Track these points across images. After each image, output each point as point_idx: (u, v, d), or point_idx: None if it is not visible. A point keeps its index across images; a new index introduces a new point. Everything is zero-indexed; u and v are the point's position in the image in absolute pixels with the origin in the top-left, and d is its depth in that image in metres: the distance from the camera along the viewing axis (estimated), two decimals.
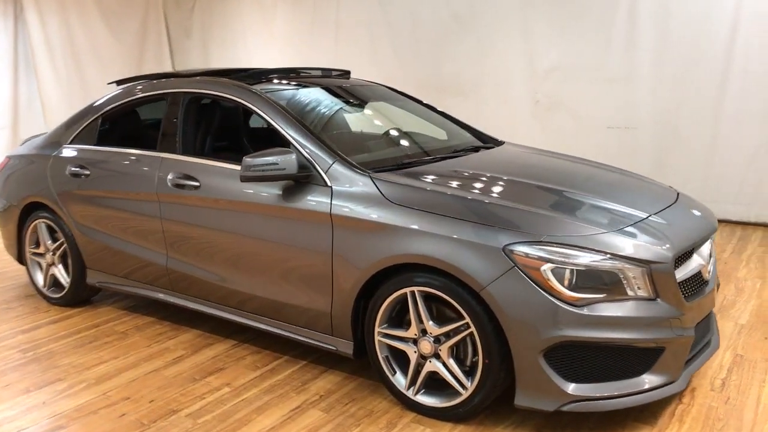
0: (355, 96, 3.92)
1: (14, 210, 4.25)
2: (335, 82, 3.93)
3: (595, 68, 6.68)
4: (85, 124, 4.01)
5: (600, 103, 6.72)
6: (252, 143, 4.25)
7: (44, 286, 4.26)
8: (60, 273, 4.16)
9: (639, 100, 6.52)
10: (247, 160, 2.91)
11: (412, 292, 2.66)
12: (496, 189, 2.85)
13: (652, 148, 6.49)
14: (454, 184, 2.86)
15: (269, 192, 3.04)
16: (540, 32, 6.94)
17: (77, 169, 3.89)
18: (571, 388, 2.41)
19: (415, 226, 2.61)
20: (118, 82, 4.19)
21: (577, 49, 6.78)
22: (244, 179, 2.93)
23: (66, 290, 4.13)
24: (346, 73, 4.25)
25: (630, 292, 2.41)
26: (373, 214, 2.72)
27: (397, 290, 2.69)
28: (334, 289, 2.88)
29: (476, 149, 3.56)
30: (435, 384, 2.74)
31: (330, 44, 8.56)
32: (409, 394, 2.77)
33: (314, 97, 3.63)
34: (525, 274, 2.39)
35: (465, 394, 2.60)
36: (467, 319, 2.53)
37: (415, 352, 2.72)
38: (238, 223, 3.16)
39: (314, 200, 2.89)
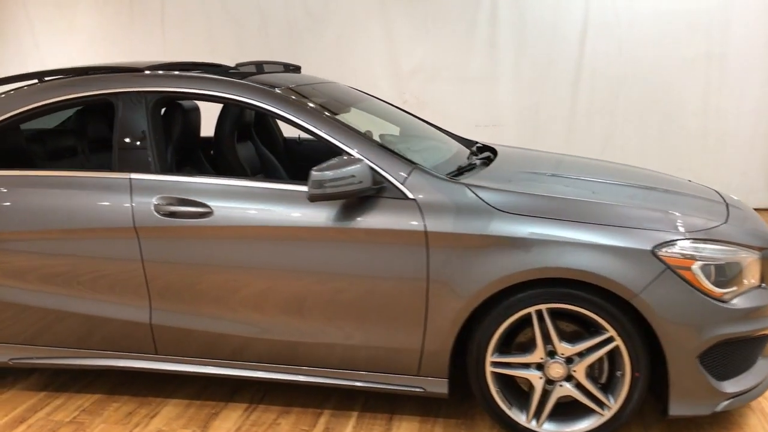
0: (333, 97, 3.35)
1: None
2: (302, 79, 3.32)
3: (460, 69, 6.85)
4: None
5: (466, 103, 6.92)
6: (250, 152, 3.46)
7: None
8: None
9: (502, 99, 6.85)
10: (318, 174, 2.30)
11: (539, 311, 2.35)
12: (597, 189, 2.67)
13: (517, 144, 6.89)
14: (558, 186, 2.61)
15: (323, 213, 2.45)
16: (403, 32, 6.90)
17: None
18: (726, 386, 2.35)
19: (546, 236, 2.30)
20: (1, 81, 3.04)
21: (441, 49, 6.88)
22: (316, 198, 2.33)
23: None
24: (296, 69, 3.66)
25: (745, 282, 2.43)
26: (487, 227, 2.34)
27: (518, 311, 2.36)
28: (429, 321, 2.43)
29: (482, 150, 3.31)
30: (555, 410, 2.47)
31: (156, 38, 7.47)
32: (533, 426, 2.45)
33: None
34: (677, 276, 2.25)
35: (608, 414, 2.39)
36: (611, 332, 2.31)
37: (541, 377, 2.41)
38: (282, 255, 2.49)
39: (397, 217, 2.40)
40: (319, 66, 7.11)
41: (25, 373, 3.19)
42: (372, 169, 2.43)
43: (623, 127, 6.65)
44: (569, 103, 6.70)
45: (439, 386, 2.53)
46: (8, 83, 3.07)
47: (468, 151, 3.25)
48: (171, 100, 2.86)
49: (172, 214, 2.56)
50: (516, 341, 2.48)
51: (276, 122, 4.08)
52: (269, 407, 2.84)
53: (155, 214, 2.57)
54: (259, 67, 3.12)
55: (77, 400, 2.95)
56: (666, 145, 6.61)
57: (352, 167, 2.34)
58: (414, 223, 2.38)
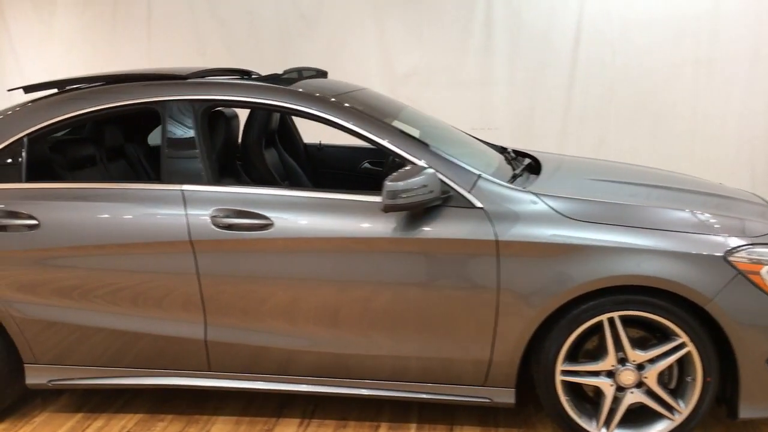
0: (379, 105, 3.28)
1: None
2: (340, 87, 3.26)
3: (454, 72, 6.86)
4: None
5: (462, 106, 6.93)
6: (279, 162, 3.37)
7: None
8: None
9: (496, 103, 6.90)
10: (392, 184, 2.26)
11: (610, 319, 2.36)
12: (656, 195, 2.70)
13: (512, 146, 6.96)
14: (621, 193, 2.62)
15: (390, 224, 2.41)
16: (397, 36, 6.88)
17: (7, 219, 2.59)
18: None
19: (618, 244, 2.31)
20: (27, 89, 2.90)
21: (435, 53, 6.88)
22: (390, 208, 2.29)
23: None
24: (324, 74, 3.60)
25: None
26: (559, 235, 2.34)
27: (590, 319, 2.36)
28: (498, 331, 2.41)
29: (520, 156, 3.31)
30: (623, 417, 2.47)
31: (141, 43, 7.26)
32: None
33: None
34: (748, 280, 2.29)
35: (678, 419, 2.41)
36: (684, 338, 2.33)
37: (612, 385, 2.42)
38: (347, 267, 2.44)
39: (466, 227, 2.37)
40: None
41: (54, 394, 3.04)
42: (440, 178, 2.40)
43: (616, 131, 6.77)
44: (563, 106, 6.78)
45: (506, 396, 2.51)
46: (33, 91, 2.93)
47: (502, 157, 3.24)
48: (218, 108, 2.77)
49: (230, 227, 2.48)
50: (584, 349, 2.48)
51: (297, 128, 4.01)
52: (324, 421, 2.77)
53: (212, 226, 2.48)
54: (300, 73, 3.05)
55: (119, 420, 2.82)
56: (657, 147, 6.75)
57: (423, 177, 2.31)
58: (484, 233, 2.36)
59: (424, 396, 2.57)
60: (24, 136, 2.68)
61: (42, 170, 2.73)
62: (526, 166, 3.00)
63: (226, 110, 3.01)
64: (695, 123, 6.64)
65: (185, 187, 2.55)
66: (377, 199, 2.44)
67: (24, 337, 2.65)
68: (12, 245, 2.56)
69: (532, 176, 2.82)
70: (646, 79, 6.58)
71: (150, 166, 3.65)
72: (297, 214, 2.47)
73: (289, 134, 3.91)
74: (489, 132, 6.97)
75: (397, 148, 2.50)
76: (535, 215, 2.39)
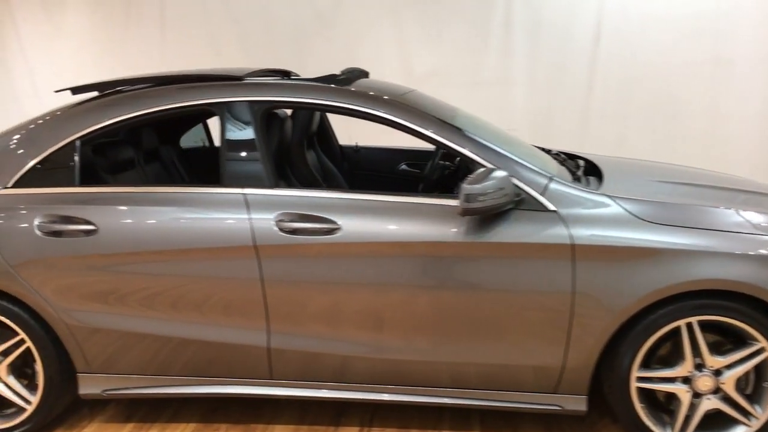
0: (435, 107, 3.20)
1: None
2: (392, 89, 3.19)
3: (473, 72, 6.82)
4: (42, 156, 2.59)
5: (481, 106, 6.83)
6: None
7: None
8: (11, 388, 2.65)
9: (515, 103, 6.86)
10: (470, 187, 2.21)
11: (688, 324, 2.31)
12: (722, 197, 2.65)
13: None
14: (690, 195, 2.58)
15: (462, 227, 2.35)
16: (414, 36, 6.83)
17: (62, 224, 2.50)
18: None
19: (697, 247, 2.27)
20: (75, 90, 2.82)
21: (453, 53, 6.84)
22: (468, 212, 2.24)
23: (30, 412, 2.64)
24: (366, 74, 3.54)
25: None
26: (636, 238, 2.29)
27: (668, 324, 2.32)
28: (572, 337, 2.36)
29: (572, 157, 3.27)
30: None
31: (154, 42, 7.17)
32: None
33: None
34: None
35: (756, 424, 2.37)
36: (763, 343, 2.29)
37: (688, 391, 2.37)
38: (417, 272, 2.38)
39: (541, 230, 2.32)
40: (329, 70, 6.97)
41: (100, 404, 2.96)
42: (512, 181, 2.35)
43: (635, 130, 6.75)
44: (582, 106, 6.75)
45: (578, 404, 2.46)
46: (81, 92, 2.85)
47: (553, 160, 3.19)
48: (278, 109, 2.70)
49: (295, 231, 2.41)
50: (657, 354, 2.43)
51: (333, 130, 3.95)
52: (384, 430, 2.72)
53: (277, 231, 2.41)
54: (352, 74, 2.99)
55: (172, 430, 2.75)
56: (676, 147, 6.73)
57: (499, 180, 2.25)
58: (559, 236, 2.31)
59: (493, 404, 2.51)
60: (77, 138, 2.60)
61: (88, 174, 2.65)
62: (583, 168, 2.95)
63: (279, 112, 2.94)
64: (714, 123, 6.62)
65: (247, 190, 2.48)
66: (449, 202, 2.40)
67: (78, 346, 2.57)
68: (68, 251, 2.48)
69: (590, 178, 2.77)
70: (665, 79, 6.56)
71: (183, 169, 3.58)
72: (365, 218, 2.41)
73: (326, 136, 3.84)
74: (508, 132, 6.96)
75: (470, 151, 2.44)
76: (611, 218, 2.34)
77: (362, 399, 2.58)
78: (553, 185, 2.40)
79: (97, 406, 2.95)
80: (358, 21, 6.82)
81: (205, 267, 2.47)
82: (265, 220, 2.42)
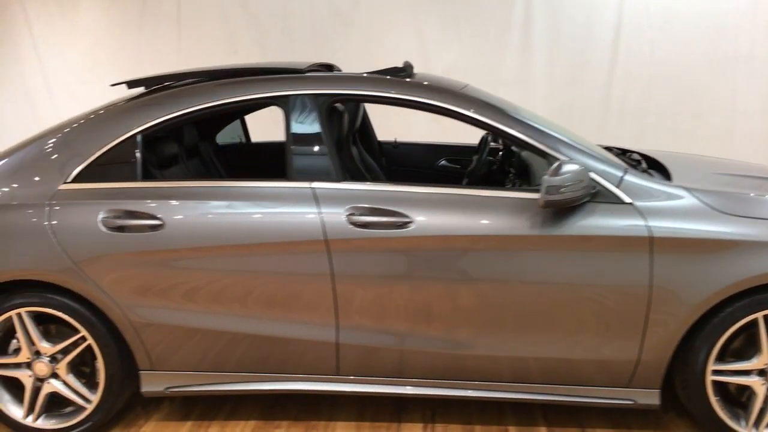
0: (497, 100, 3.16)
1: None
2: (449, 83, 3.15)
3: (493, 70, 6.80)
4: (103, 150, 2.55)
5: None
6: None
7: (28, 414, 2.61)
8: (70, 387, 2.60)
9: (535, 100, 6.83)
10: (552, 179, 2.19)
11: (766, 316, 2.30)
12: None
13: None
14: (759, 186, 2.57)
15: (536, 221, 2.33)
16: (434, 34, 6.81)
17: (127, 219, 2.46)
18: None
19: None
20: (130, 84, 2.78)
21: (473, 51, 6.82)
22: (550, 204, 2.23)
23: (90, 411, 2.59)
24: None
25: None
26: (715, 231, 2.27)
27: (746, 316, 2.30)
28: (648, 330, 2.35)
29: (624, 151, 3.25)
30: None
31: (171, 41, 7.11)
32: None
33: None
34: None
35: None
36: None
37: (764, 383, 2.36)
38: (491, 265, 2.36)
39: (618, 223, 2.30)
40: (347, 68, 6.95)
41: (154, 402, 2.92)
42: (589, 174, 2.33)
43: (655, 128, 6.75)
44: (602, 103, 6.75)
45: (651, 398, 2.45)
46: (137, 86, 2.81)
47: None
48: (341, 102, 2.67)
49: (367, 225, 2.38)
50: (731, 347, 2.42)
51: (372, 126, 3.92)
52: (448, 426, 2.69)
53: (348, 225, 2.38)
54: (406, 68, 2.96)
55: (233, 428, 2.71)
56: (696, 145, 6.72)
57: (577, 172, 2.23)
58: (637, 228, 2.29)
59: (565, 399, 2.49)
60: (138, 132, 2.56)
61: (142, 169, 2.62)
62: (644, 162, 2.94)
63: (338, 106, 2.91)
64: (734, 120, 6.64)
65: (315, 184, 2.45)
66: (523, 195, 2.38)
67: (141, 343, 2.53)
68: (133, 246, 2.44)
69: (652, 171, 2.75)
70: (685, 76, 6.57)
71: (221, 165, 3.55)
72: (437, 212, 2.39)
73: (366, 132, 3.82)
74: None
75: (545, 146, 2.42)
76: (687, 210, 2.32)
77: (430, 395, 2.55)
78: (627, 177, 2.38)
79: (150, 404, 2.91)
80: (376, 19, 6.79)
81: (273, 262, 2.43)
82: (336, 214, 2.39)
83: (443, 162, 3.94)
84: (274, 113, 2.99)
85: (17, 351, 2.61)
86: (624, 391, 2.46)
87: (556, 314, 2.38)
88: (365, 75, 2.67)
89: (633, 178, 2.39)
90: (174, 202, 2.47)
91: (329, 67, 3.20)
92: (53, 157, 2.57)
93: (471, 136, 3.59)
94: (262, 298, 2.46)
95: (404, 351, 2.49)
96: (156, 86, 2.79)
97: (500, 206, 2.37)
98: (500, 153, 3.59)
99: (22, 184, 2.55)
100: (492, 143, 3.56)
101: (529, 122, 2.50)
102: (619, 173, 2.39)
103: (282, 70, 2.67)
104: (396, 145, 4.00)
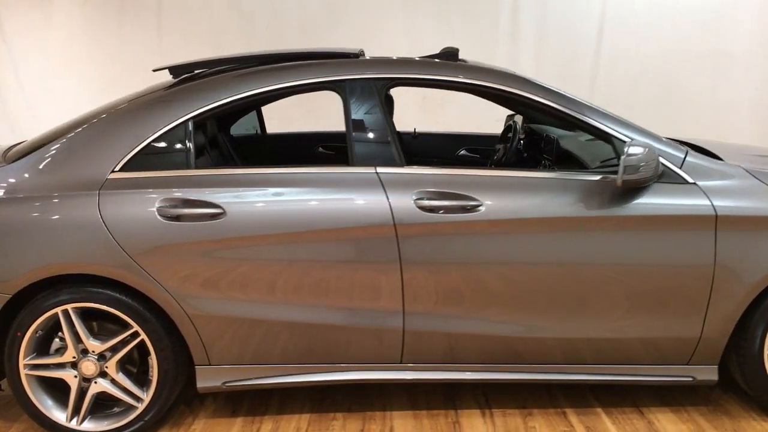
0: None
1: None
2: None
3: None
4: (153, 137, 2.44)
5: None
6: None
7: (73, 417, 2.49)
8: (120, 386, 2.48)
9: None
10: (630, 159, 2.23)
11: None
12: None
13: None
14: None
15: (604, 202, 2.36)
16: (425, 27, 6.83)
17: (185, 209, 2.36)
18: None
19: None
20: (174, 70, 2.69)
21: (463, 44, 6.81)
22: (628, 184, 2.26)
23: (142, 410, 2.48)
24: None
25: None
26: None
27: None
28: (710, 308, 2.40)
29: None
30: None
31: (151, 36, 6.89)
32: None
33: None
34: None
35: None
36: None
37: None
38: (560, 247, 2.37)
39: (683, 202, 2.35)
40: None
41: (198, 398, 2.82)
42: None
43: (639, 121, 6.92)
44: (588, 97, 6.82)
45: (710, 374, 2.50)
46: (180, 73, 2.72)
47: None
48: (397, 87, 2.63)
49: (435, 209, 2.36)
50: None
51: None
52: (505, 410, 2.69)
53: (417, 210, 2.35)
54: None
55: (288, 422, 2.64)
56: (679, 137, 6.94)
57: (650, 152, 2.27)
58: (703, 208, 2.34)
59: (625, 378, 2.53)
60: (189, 118, 2.46)
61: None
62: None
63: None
64: (715, 113, 6.86)
65: (380, 169, 2.41)
66: (591, 177, 2.40)
67: (198, 336, 2.43)
68: (192, 236, 2.34)
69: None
70: (669, 71, 6.76)
71: (237, 156, 3.46)
72: (505, 195, 2.38)
73: None
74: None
75: (611, 128, 2.45)
76: (747, 189, 2.39)
77: (493, 379, 2.55)
78: (689, 158, 2.43)
79: (193, 401, 2.81)
80: (367, 12, 6.75)
81: (338, 248, 2.38)
82: (404, 199, 2.36)
83: (463, 151, 3.94)
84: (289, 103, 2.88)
85: (60, 350, 2.49)
86: (684, 369, 2.51)
87: (623, 295, 2.41)
88: (423, 59, 2.64)
89: (694, 159, 2.44)
90: (234, 190, 2.39)
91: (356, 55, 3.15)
92: (100, 145, 2.45)
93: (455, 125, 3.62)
94: (327, 285, 2.40)
95: (470, 336, 2.47)
96: (187, 73, 2.71)
97: (568, 188, 2.39)
98: (521, 140, 3.60)
99: (66, 173, 2.42)
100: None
101: (594, 107, 2.52)
102: (681, 154, 2.44)
103: (334, 55, 2.62)
104: (415, 135, 3.98)
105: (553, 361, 2.53)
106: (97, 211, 2.34)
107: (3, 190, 2.41)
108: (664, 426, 2.55)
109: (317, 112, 5.71)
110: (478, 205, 2.35)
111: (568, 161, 3.07)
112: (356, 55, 2.61)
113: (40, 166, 2.45)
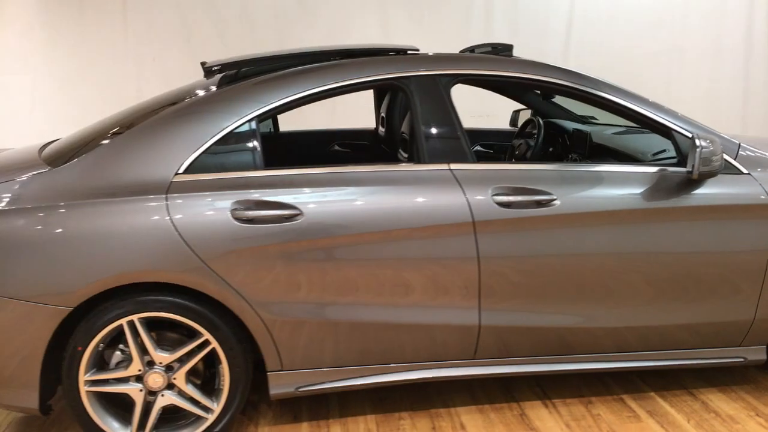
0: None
1: (40, 314, 2.20)
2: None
3: None
4: (217, 137, 2.34)
5: (462, 93, 6.98)
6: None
7: None
8: (189, 397, 2.38)
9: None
10: (704, 151, 2.33)
11: None
12: None
13: None
14: None
15: (671, 193, 2.46)
16: (399, 22, 6.84)
17: (260, 210, 2.27)
18: None
19: None
20: (223, 68, 2.58)
21: (437, 40, 6.91)
22: (703, 175, 2.37)
23: (212, 421, 2.38)
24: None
25: None
26: None
27: None
28: (764, 291, 2.54)
29: None
30: None
31: (116, 28, 6.58)
32: None
33: None
34: None
35: None
36: None
37: None
38: (630, 239, 2.46)
39: (743, 192, 2.49)
40: None
41: (250, 406, 2.73)
42: None
43: (605, 115, 7.19)
44: None
45: (759, 353, 2.65)
46: (228, 70, 2.61)
47: None
48: (461, 83, 2.62)
49: (511, 205, 2.38)
50: None
51: None
52: (565, 400, 2.75)
53: (494, 206, 2.36)
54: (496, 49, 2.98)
55: (355, 424, 2.60)
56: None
57: (717, 145, 2.38)
58: (760, 196, 2.48)
59: (681, 362, 2.64)
60: (254, 117, 2.37)
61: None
62: None
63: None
64: (670, 106, 7.23)
65: (453, 166, 2.41)
66: (656, 170, 2.50)
67: (272, 341, 2.35)
68: (269, 239, 2.26)
69: None
70: (630, 66, 7.05)
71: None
72: (580, 189, 2.43)
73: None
74: (487, 119, 7.16)
75: (673, 123, 2.56)
76: None
77: (560, 370, 2.59)
78: (741, 151, 2.56)
79: (247, 409, 2.71)
80: (341, 6, 6.69)
81: (416, 246, 2.36)
82: (482, 196, 2.37)
83: (477, 147, 3.98)
84: None
85: (121, 364, 2.35)
86: (736, 350, 2.65)
87: (689, 282, 2.51)
88: (491, 56, 2.66)
89: (745, 152, 2.57)
90: (309, 190, 2.32)
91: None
92: (159, 147, 2.32)
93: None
94: (406, 284, 2.37)
95: (546, 329, 2.51)
96: (234, 69, 2.61)
97: (639, 181, 2.47)
98: (536, 135, 3.68)
99: (124, 177, 2.28)
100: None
101: (654, 103, 2.62)
102: (735, 146, 2.56)
103: (391, 50, 2.59)
104: None
105: (611, 349, 2.61)
106: (167, 215, 2.23)
107: (57, 197, 2.24)
108: (718, 405, 2.69)
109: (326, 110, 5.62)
110: (553, 200, 2.39)
111: (599, 154, 3.17)
112: (416, 51, 2.58)
113: (94, 170, 2.30)
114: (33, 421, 2.66)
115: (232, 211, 2.26)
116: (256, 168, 2.36)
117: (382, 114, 3.62)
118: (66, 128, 6.73)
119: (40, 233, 2.18)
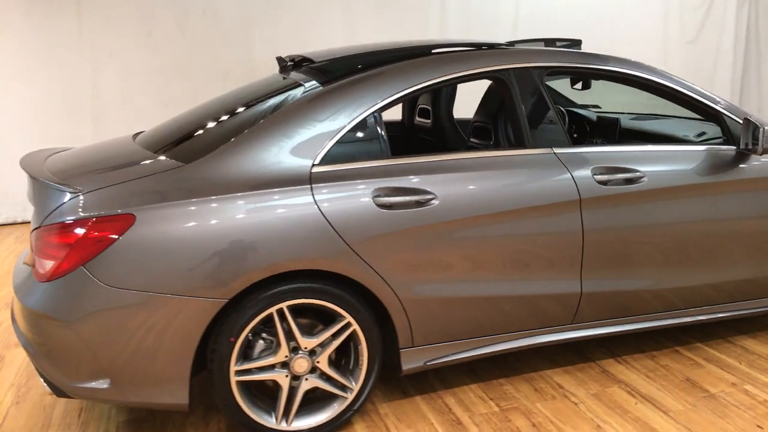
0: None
1: (196, 308, 2.23)
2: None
3: None
4: (346, 129, 2.46)
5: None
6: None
7: (281, 418, 2.43)
8: (330, 379, 2.48)
9: None
10: (765, 130, 2.74)
11: None
12: None
13: None
14: None
15: (741, 167, 2.93)
16: (363, 18, 7.02)
17: (398, 196, 2.42)
18: None
19: None
20: (295, 65, 2.70)
21: (399, 34, 7.16)
22: (766, 151, 2.78)
23: (351, 399, 2.50)
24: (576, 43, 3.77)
25: None
26: None
27: None
28: None
29: None
30: None
31: (71, 24, 6.24)
32: None
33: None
34: None
35: None
36: None
37: None
38: (710, 208, 2.88)
39: None
40: (276, 51, 6.77)
41: None
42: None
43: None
44: None
45: None
46: (297, 68, 2.70)
47: None
48: (551, 75, 2.88)
49: (607, 183, 2.68)
50: None
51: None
52: (634, 356, 3.11)
53: (595, 184, 2.65)
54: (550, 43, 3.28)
55: (465, 393, 2.80)
56: None
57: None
58: None
59: (751, 311, 3.11)
60: (378, 108, 2.50)
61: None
62: None
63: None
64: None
65: (556, 150, 2.67)
66: (722, 149, 2.94)
67: (407, 320, 2.50)
68: (404, 223, 2.41)
69: None
70: None
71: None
72: (665, 166, 2.80)
73: (415, 108, 4.05)
74: None
75: (723, 110, 2.97)
76: None
77: (649, 327, 2.94)
78: None
79: None
80: (306, 3, 6.74)
81: (533, 224, 2.60)
82: (585, 175, 2.65)
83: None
84: None
85: (265, 351, 2.41)
86: None
87: (749, 242, 2.97)
88: (574, 51, 2.92)
89: None
90: (441, 176, 2.50)
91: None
92: (291, 139, 2.39)
93: None
94: (521, 259, 2.61)
95: (629, 293, 2.84)
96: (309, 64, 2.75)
97: (702, 159, 2.86)
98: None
99: (261, 169, 2.33)
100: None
101: (707, 93, 3.02)
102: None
103: (478, 45, 2.82)
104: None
105: (677, 307, 2.99)
106: (315, 205, 2.32)
107: (201, 192, 2.26)
108: (755, 349, 3.16)
109: None
110: (641, 177, 2.72)
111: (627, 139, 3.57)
112: (512, 45, 2.82)
113: (231, 164, 2.33)
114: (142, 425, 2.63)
115: (374, 198, 2.38)
116: (385, 156, 2.49)
117: (424, 106, 3.81)
118: (18, 127, 6.29)
119: (195, 228, 2.20)
